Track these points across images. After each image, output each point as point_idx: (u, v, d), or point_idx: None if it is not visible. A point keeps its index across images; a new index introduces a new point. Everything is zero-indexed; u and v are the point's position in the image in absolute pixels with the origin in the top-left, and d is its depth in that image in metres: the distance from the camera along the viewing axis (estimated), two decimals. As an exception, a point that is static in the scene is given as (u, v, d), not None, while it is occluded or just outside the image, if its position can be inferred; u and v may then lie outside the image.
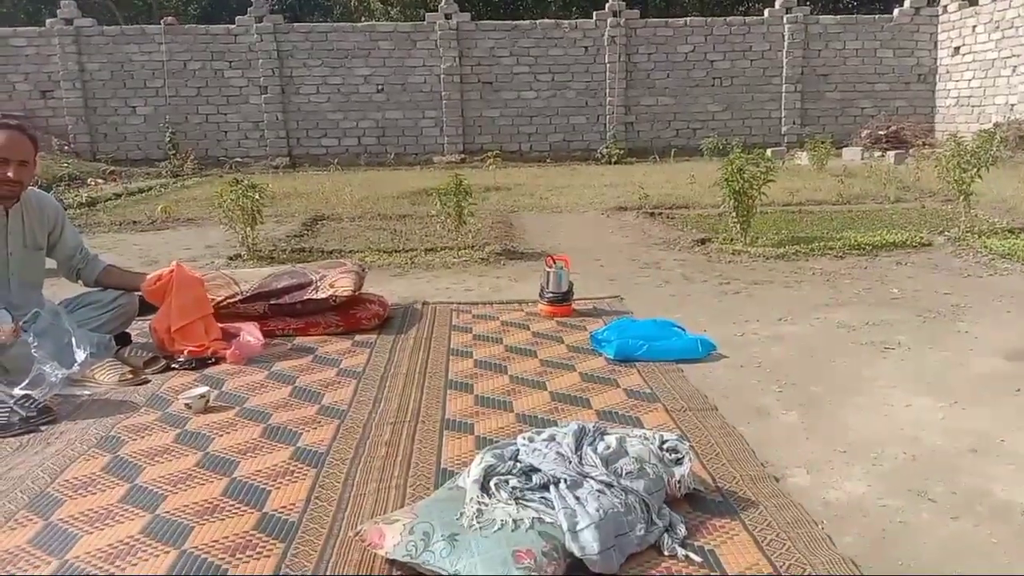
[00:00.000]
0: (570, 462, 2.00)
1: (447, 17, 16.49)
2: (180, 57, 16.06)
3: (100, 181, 12.83)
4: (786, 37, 16.75)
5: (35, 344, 3.13)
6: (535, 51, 16.72)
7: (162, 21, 16.41)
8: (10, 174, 3.22)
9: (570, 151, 16.77)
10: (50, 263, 3.62)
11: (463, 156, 16.20)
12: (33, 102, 15.83)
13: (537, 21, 17.37)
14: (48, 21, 16.00)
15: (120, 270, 3.79)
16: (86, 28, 15.95)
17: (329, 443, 2.55)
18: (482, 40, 16.64)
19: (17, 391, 2.89)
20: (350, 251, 6.13)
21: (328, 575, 1.81)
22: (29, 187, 3.42)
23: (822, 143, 12.18)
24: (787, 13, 16.74)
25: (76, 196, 10.34)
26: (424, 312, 4.26)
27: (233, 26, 16.28)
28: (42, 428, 2.75)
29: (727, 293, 4.63)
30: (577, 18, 18.42)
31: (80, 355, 3.18)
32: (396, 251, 6.13)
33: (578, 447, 2.06)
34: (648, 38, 16.82)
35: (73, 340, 3.23)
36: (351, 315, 3.93)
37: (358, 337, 3.80)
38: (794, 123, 16.90)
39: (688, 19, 17.67)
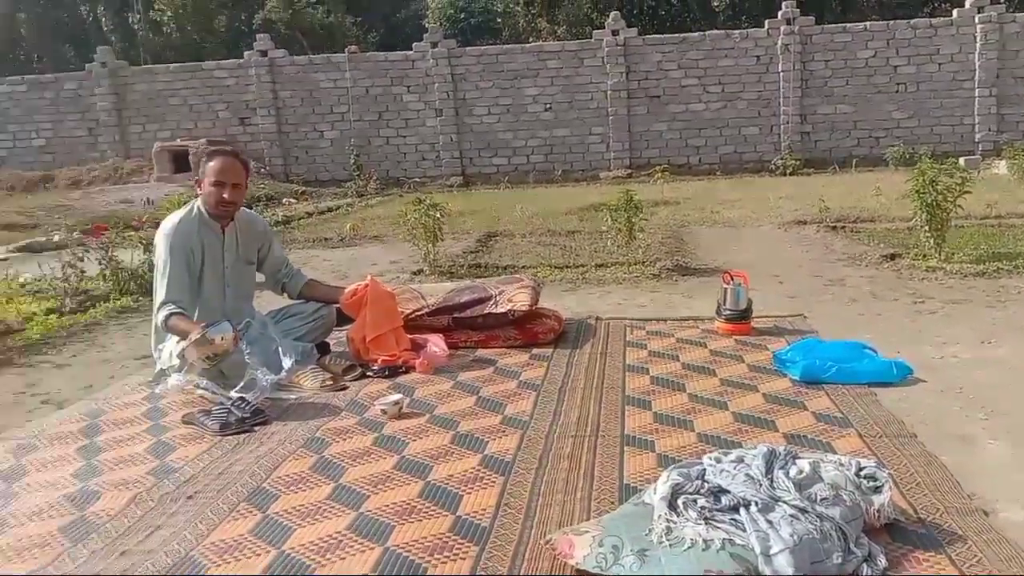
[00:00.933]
0: (760, 485, 1.97)
1: (614, 33, 16.55)
2: (363, 83, 17.06)
3: (293, 201, 13.86)
4: (978, 38, 15.52)
5: (248, 351, 3.45)
6: (704, 63, 16.43)
7: (346, 50, 17.50)
8: (226, 196, 3.56)
9: (742, 163, 16.33)
10: (258, 277, 3.97)
11: (630, 171, 16.16)
12: (233, 128, 17.31)
13: (706, 33, 17.08)
14: (246, 54, 17.48)
15: (320, 283, 4.10)
16: (279, 59, 17.28)
17: (514, 452, 2.64)
18: (649, 54, 16.56)
19: (233, 394, 3.20)
20: (523, 266, 6.28)
21: (521, 580, 1.88)
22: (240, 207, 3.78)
23: (1023, 151, 11.17)
24: (979, 12, 15.51)
25: (272, 215, 11.21)
26: (598, 327, 4.30)
27: (411, 52, 17.10)
28: (255, 428, 3.01)
29: (922, 313, 4.36)
30: (748, 27, 17.93)
31: (287, 362, 3.48)
32: (567, 266, 6.21)
33: (768, 470, 2.02)
34: (825, 44, 16.10)
35: (280, 348, 3.54)
36: (528, 329, 4.04)
37: (535, 351, 3.89)
38: (989, 130, 15.60)
39: (868, 23, 16.76)
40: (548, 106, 16.75)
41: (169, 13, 23.42)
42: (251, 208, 5.12)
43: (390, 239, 8.46)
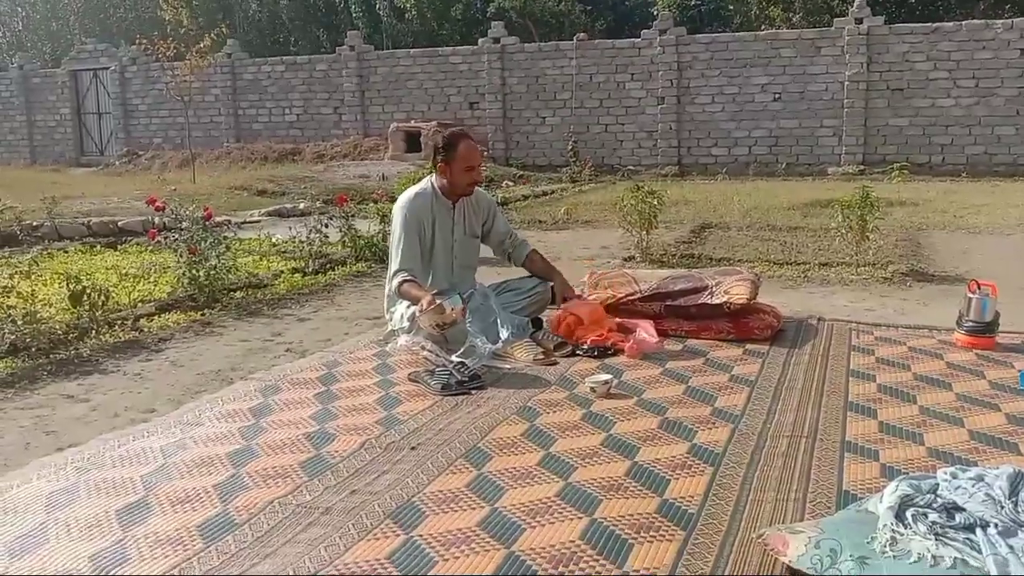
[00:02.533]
0: (1002, 507, 1.82)
1: (858, 22, 15.50)
2: (587, 71, 17.21)
3: (511, 183, 14.31)
4: None
5: (469, 320, 3.65)
6: (957, 55, 14.99)
7: (575, 38, 17.72)
8: (477, 178, 3.91)
9: (992, 165, 14.77)
10: (485, 251, 4.19)
11: (862, 167, 15.11)
12: (462, 112, 18.11)
13: (962, 23, 15.55)
14: (480, 40, 18.19)
15: (542, 258, 4.26)
16: (510, 46, 17.83)
17: (724, 445, 2.60)
18: (895, 44, 15.36)
19: (454, 358, 3.40)
20: (739, 260, 6.10)
21: (728, 571, 1.86)
22: None
23: None
24: None
25: (492, 196, 11.61)
26: (820, 328, 4.10)
27: (638, 39, 17.01)
28: (472, 392, 3.18)
29: None
30: (1013, 16, 16.12)
31: (504, 333, 3.64)
32: (787, 263, 5.97)
33: (1013, 493, 1.86)
34: (1111, 35, 14.17)
35: (498, 320, 3.71)
36: (743, 323, 3.93)
37: (749, 346, 3.78)
38: None
39: None
40: (777, 96, 16.04)
41: (411, 1, 24.85)
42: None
43: (601, 224, 8.52)
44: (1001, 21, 15.42)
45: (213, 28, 17.81)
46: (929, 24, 15.82)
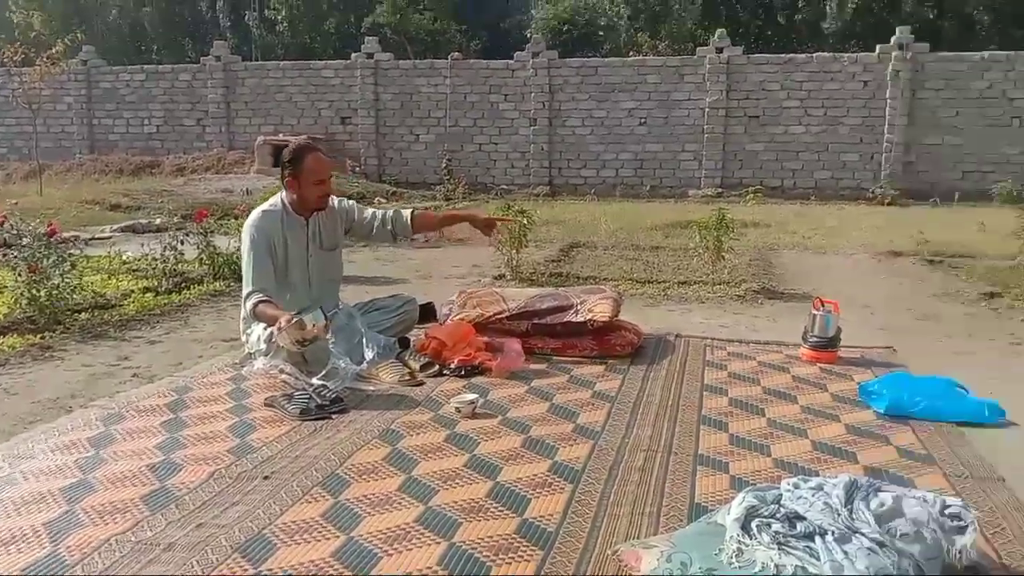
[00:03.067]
0: (839, 514, 1.91)
1: (718, 51, 16.33)
2: (461, 90, 17.31)
3: (383, 200, 14.16)
4: (1110, 72, 14.68)
5: (332, 340, 3.55)
6: (808, 85, 16.04)
7: (450, 56, 17.80)
8: (328, 192, 3.75)
9: (838, 189, 15.84)
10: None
11: (720, 190, 15.87)
12: (334, 126, 17.81)
13: (813, 54, 16.68)
14: (353, 55, 17.96)
15: (430, 212, 4.16)
16: (384, 62, 17.70)
17: (584, 461, 2.63)
18: (752, 74, 16.27)
19: (315, 381, 3.29)
20: (605, 278, 6.26)
21: (583, 588, 1.87)
22: None
23: None
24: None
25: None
26: (677, 344, 4.24)
27: (512, 61, 17.27)
28: (333, 416, 3.09)
29: (1020, 355, 4.15)
30: (856, 51, 17.40)
31: (369, 354, 3.56)
32: (649, 281, 6.16)
33: (848, 500, 1.96)
34: (938, 73, 15.50)
35: (364, 340, 3.62)
36: (606, 340, 4.01)
37: (611, 362, 3.86)
38: (1112, 171, 14.72)
39: (986, 53, 16.03)
40: (643, 120, 16.65)
41: (283, 13, 24.31)
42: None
43: (473, 243, 8.54)
44: (847, 55, 16.62)
45: (68, 34, 16.80)
46: (783, 55, 16.87)
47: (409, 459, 2.66)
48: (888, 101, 15.59)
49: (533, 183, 16.79)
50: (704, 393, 3.42)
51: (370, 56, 17.67)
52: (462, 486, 2.43)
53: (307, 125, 17.63)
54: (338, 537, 2.12)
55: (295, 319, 3.28)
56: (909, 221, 10.52)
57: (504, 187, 16.45)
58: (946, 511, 1.96)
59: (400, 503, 2.33)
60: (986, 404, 3.12)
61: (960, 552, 1.89)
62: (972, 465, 2.63)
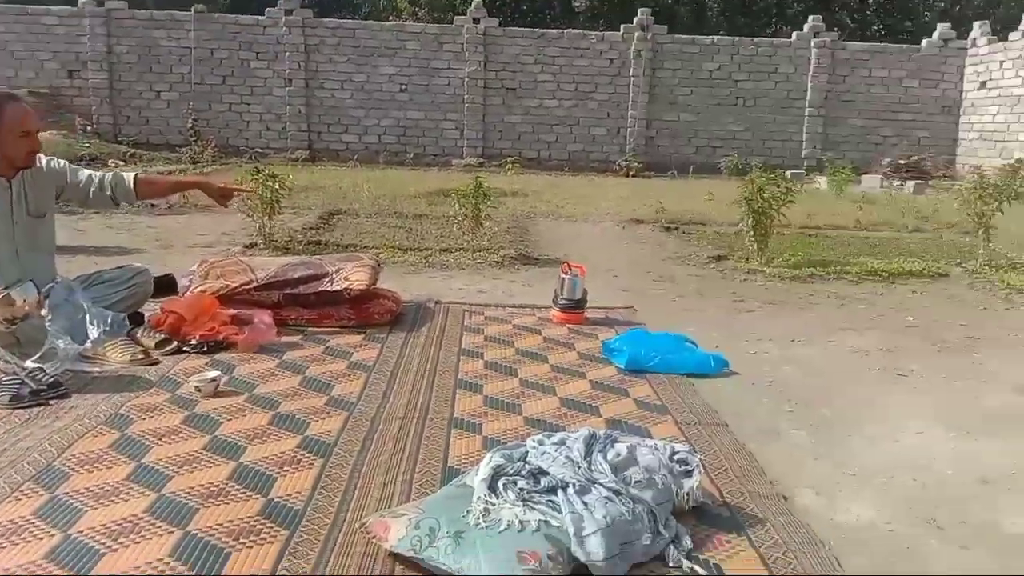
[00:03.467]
0: (579, 467, 1.99)
1: (475, 21, 16.54)
2: (208, 45, 16.15)
3: (120, 163, 12.90)
4: (812, 61, 16.72)
5: (49, 317, 3.15)
6: (560, 60, 16.74)
7: (193, 8, 16.50)
8: (35, 146, 3.31)
9: (589, 161, 16.77)
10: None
11: (482, 160, 16.21)
12: (60, 80, 15.94)
13: (564, 31, 17.41)
14: (80, 1, 16.10)
15: (155, 177, 3.78)
16: (117, 10, 16.05)
17: (337, 434, 2.55)
18: (508, 46, 16.68)
19: (29, 363, 2.91)
20: (365, 246, 6.14)
21: (330, 568, 1.79)
22: None
23: (842, 169, 12.13)
24: (815, 37, 16.71)
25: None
26: (437, 311, 4.26)
27: (262, 17, 16.36)
28: (52, 402, 2.75)
29: (740, 311, 4.61)
30: (604, 30, 18.41)
31: (93, 332, 3.19)
32: (411, 249, 6.14)
33: (588, 453, 2.05)
34: (674, 54, 16.82)
35: (87, 316, 3.24)
36: (364, 309, 3.93)
37: (370, 331, 3.79)
38: (815, 147, 16.84)
39: (716, 38, 17.64)
40: (404, 87, 16.52)
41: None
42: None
43: (222, 209, 8.02)
44: (595, 33, 17.52)
45: None
46: (537, 30, 17.44)
47: (140, 445, 2.43)
48: (631, 79, 16.68)
49: (291, 147, 16.13)
50: (461, 357, 3.45)
51: (100, 3, 15.95)
52: (200, 470, 2.25)
53: (27, 78, 15.65)
54: (53, 536, 1.89)
55: (2, 295, 2.88)
56: (650, 192, 11.37)
57: (259, 150, 15.65)
58: (675, 457, 2.11)
59: (128, 493, 2.11)
60: (712, 356, 3.42)
61: (688, 494, 2.04)
62: (700, 412, 2.87)
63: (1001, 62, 15.56)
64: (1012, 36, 15.27)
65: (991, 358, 3.78)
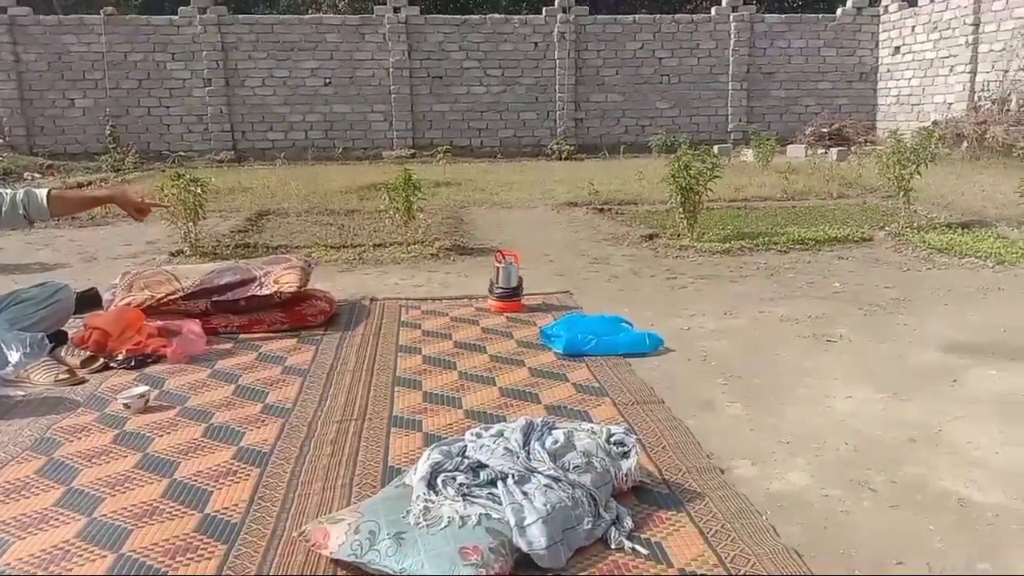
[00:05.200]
0: (518, 457, 1.99)
1: (396, 10, 16.33)
2: (120, 48, 15.62)
3: (37, 175, 12.44)
4: (732, 35, 16.98)
5: (-36, 344, 3.02)
6: (485, 46, 16.67)
7: (102, 11, 15.92)
8: None
9: (520, 147, 16.77)
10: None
11: (413, 151, 16.08)
12: (-37, 93, 15.27)
13: (487, 16, 17.32)
14: (-20, 9, 15.42)
15: (69, 192, 3.64)
16: (21, 17, 15.40)
17: (273, 442, 2.50)
18: (431, 34, 16.53)
19: (-55, 393, 2.78)
20: (296, 247, 6.04)
21: (271, 576, 1.77)
22: None
23: (767, 140, 12.38)
24: (733, 11, 16.97)
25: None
26: (372, 308, 4.22)
27: (176, 17, 15.88)
28: (-29, 431, 2.65)
29: (674, 288, 4.68)
30: (527, 14, 18.39)
31: (13, 356, 3.07)
32: (344, 246, 6.05)
33: (526, 442, 2.06)
34: (597, 35, 16.89)
35: (3, 341, 3.12)
36: (297, 312, 3.87)
37: (304, 334, 3.74)
38: (740, 120, 17.14)
39: (637, 16, 17.78)
40: (328, 81, 16.25)
41: None
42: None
43: (147, 217, 7.79)
44: (517, 17, 17.47)
45: None
46: (459, 16, 17.31)
47: (69, 468, 2.35)
48: (557, 61, 16.70)
49: (215, 148, 15.74)
50: (399, 354, 3.42)
51: (3, 10, 15.27)
52: (133, 489, 2.19)
53: (-74, 91, 14.92)
54: (-24, 573, 1.82)
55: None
56: (582, 174, 11.43)
57: (182, 154, 15.22)
58: (612, 439, 2.14)
59: (58, 519, 2.04)
60: (647, 335, 3.46)
61: (627, 475, 2.06)
62: (637, 391, 2.90)
63: (913, 27, 16.05)
64: (922, 1, 15.75)
65: (914, 318, 3.91)
